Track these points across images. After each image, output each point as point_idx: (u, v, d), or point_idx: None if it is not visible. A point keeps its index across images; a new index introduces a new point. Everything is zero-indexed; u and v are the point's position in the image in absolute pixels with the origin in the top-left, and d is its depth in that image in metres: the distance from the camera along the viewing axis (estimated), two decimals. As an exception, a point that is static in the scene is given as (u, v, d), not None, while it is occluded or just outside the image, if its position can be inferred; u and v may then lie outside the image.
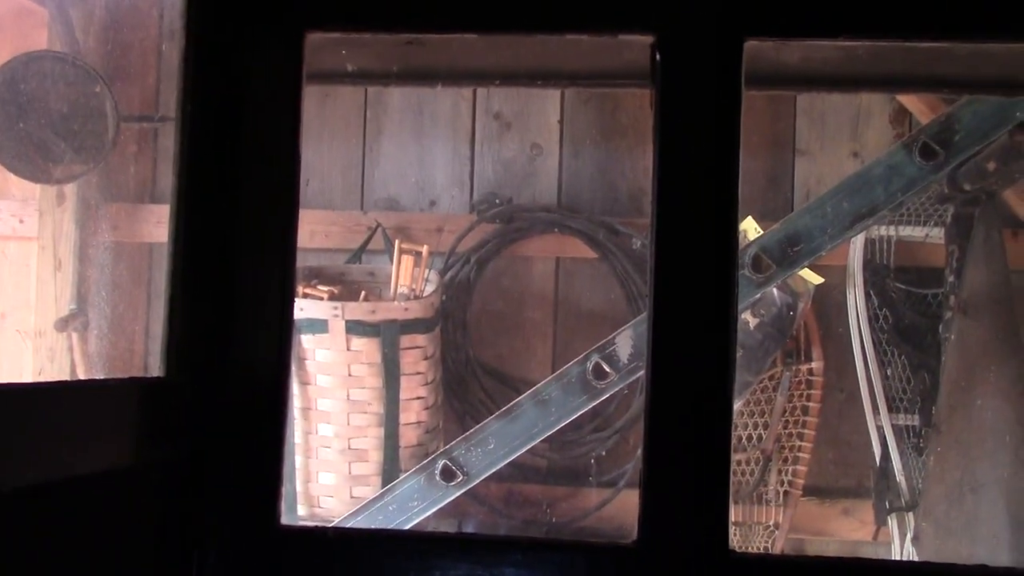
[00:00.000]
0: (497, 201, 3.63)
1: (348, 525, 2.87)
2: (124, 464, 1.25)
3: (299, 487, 3.31)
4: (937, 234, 3.24)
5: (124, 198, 3.72)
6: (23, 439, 1.06)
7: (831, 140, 3.58)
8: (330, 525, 2.94)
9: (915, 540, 3.01)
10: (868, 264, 3.30)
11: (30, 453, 1.07)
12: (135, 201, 3.72)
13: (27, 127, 3.14)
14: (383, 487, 3.09)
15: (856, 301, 3.28)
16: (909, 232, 3.32)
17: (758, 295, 2.86)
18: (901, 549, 3.08)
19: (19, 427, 1.05)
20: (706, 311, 1.37)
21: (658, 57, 1.37)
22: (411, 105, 3.71)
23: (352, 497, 3.23)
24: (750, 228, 3.06)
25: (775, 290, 3.07)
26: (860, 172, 2.67)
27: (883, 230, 3.31)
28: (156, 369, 1.41)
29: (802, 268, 2.82)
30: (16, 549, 1.06)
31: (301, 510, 3.30)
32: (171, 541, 1.37)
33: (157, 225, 3.64)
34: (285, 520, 1.44)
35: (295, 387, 3.27)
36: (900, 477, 3.13)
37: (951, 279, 3.07)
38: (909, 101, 3.36)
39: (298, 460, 3.30)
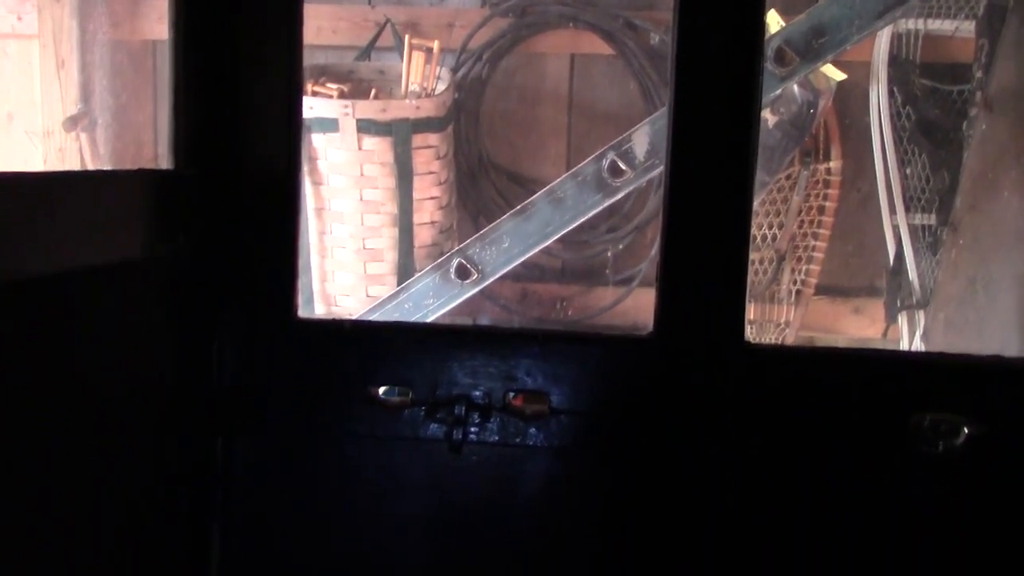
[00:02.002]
0: (510, -6, 3.50)
1: (365, 321, 2.92)
2: (137, 255, 1.25)
3: (315, 287, 3.35)
4: (968, 27, 3.12)
5: (123, -8, 3.59)
6: (36, 229, 1.05)
7: (862, -73, 3.39)
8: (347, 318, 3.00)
9: (924, 337, 3.05)
10: (894, 59, 3.20)
11: (44, 243, 1.06)
12: (134, -5, 3.60)
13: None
14: (398, 286, 3.13)
15: (879, 98, 3.20)
16: (939, 25, 3.20)
17: (779, 91, 2.79)
18: (910, 345, 3.13)
19: (32, 217, 1.04)
20: (728, 105, 1.33)
21: None
22: None
23: (368, 296, 3.28)
24: (772, 21, 2.94)
25: (795, 86, 2.99)
26: (892, -42, 2.54)
27: (911, 23, 3.18)
28: (166, 165, 1.39)
29: (826, 62, 2.73)
30: (33, 337, 1.07)
31: (319, 309, 3.36)
32: (189, 331, 1.38)
33: (158, 21, 3.53)
34: (302, 314, 1.45)
35: (308, 187, 3.26)
36: (913, 275, 3.15)
37: (979, 75, 2.98)
38: None
39: (314, 260, 3.33)
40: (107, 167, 3.54)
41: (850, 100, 3.31)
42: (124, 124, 3.60)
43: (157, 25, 3.53)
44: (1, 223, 1.00)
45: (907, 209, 3.17)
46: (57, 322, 1.12)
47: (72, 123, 3.55)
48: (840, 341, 3.47)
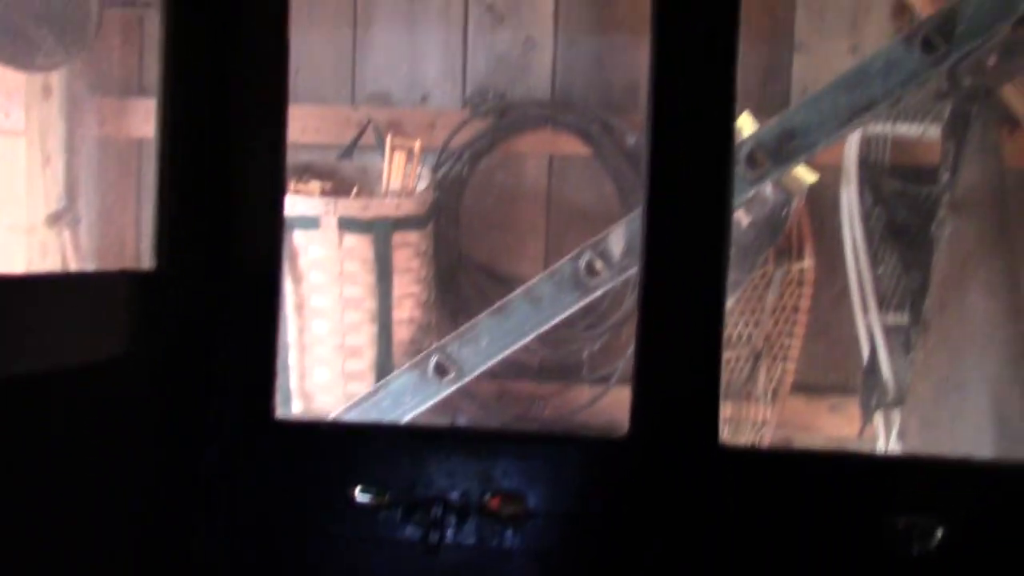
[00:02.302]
0: (490, 96, 3.58)
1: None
2: (117, 355, 1.26)
3: (294, 384, 3.34)
4: (934, 131, 3.21)
5: (111, 92, 3.65)
6: (16, 329, 1.06)
7: (830, 34, 3.51)
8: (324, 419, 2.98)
9: (900, 436, 3.06)
10: (863, 161, 3.28)
11: (23, 343, 1.07)
12: (121, 95, 3.65)
13: (6, 12, 3.05)
14: (377, 383, 3.12)
15: (850, 199, 3.27)
16: (906, 129, 3.29)
17: (752, 192, 2.85)
18: (886, 445, 3.14)
19: (12, 317, 1.05)
20: (701, 206, 1.36)
21: (657, -57, 1.33)
22: (402, -4, 3.63)
23: (346, 393, 3.26)
24: (745, 124, 3.02)
25: (768, 188, 3.06)
26: (859, 66, 2.63)
27: (880, 127, 3.28)
28: (148, 263, 1.41)
29: (797, 165, 2.80)
30: (10, 439, 1.06)
31: (296, 406, 3.34)
32: (169, 429, 1.38)
33: (144, 120, 3.58)
34: (280, 415, 1.45)
35: (288, 284, 3.27)
36: (887, 374, 3.17)
37: (946, 177, 3.06)
38: (910, -6, 3.29)
39: (292, 357, 3.32)
40: (89, 264, 3.55)
41: (822, 201, 3.38)
42: (108, 222, 3.62)
43: (143, 124, 3.59)
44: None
45: (880, 308, 3.21)
46: (40, 421, 1.11)
47: (55, 219, 3.57)
48: (817, 440, 3.47)
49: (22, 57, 3.21)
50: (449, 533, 1.36)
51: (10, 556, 1.06)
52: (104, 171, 3.65)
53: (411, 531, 1.37)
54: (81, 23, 3.12)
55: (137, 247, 3.63)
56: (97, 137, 3.63)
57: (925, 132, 3.26)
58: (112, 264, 3.60)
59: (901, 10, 3.44)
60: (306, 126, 3.59)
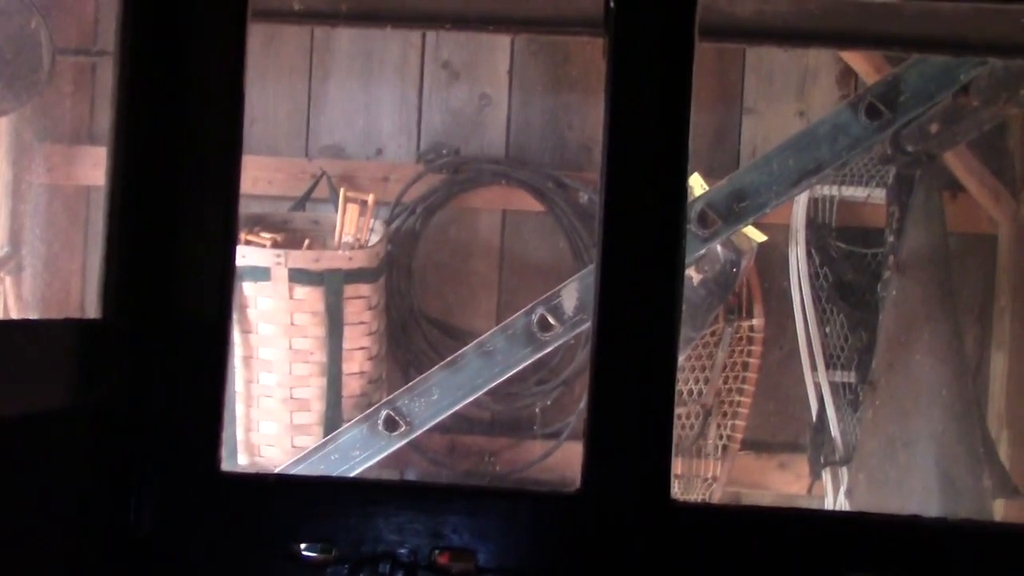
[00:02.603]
0: (444, 151, 3.60)
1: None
2: (59, 405, 1.23)
3: (240, 436, 3.28)
4: (879, 195, 3.29)
5: (60, 138, 3.61)
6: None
7: (778, 98, 3.59)
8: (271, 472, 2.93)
9: (848, 493, 3.08)
10: (811, 223, 3.34)
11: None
12: (71, 142, 3.62)
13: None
14: (325, 437, 3.08)
15: (798, 259, 3.32)
16: (852, 192, 3.36)
17: (703, 251, 2.88)
18: (835, 502, 3.16)
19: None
20: (653, 264, 1.37)
21: (611, 4, 1.36)
22: (359, 50, 3.65)
23: (294, 446, 3.22)
24: (696, 184, 3.07)
25: (719, 247, 3.10)
26: (807, 130, 2.69)
27: (826, 189, 3.35)
28: (93, 313, 1.38)
29: (747, 224, 2.84)
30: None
31: (242, 459, 3.28)
32: (111, 481, 1.34)
33: (94, 167, 3.55)
34: (226, 467, 1.43)
35: (237, 335, 3.23)
36: (836, 432, 3.20)
37: (891, 239, 3.12)
38: (855, 61, 3.38)
39: (239, 409, 3.27)
40: (31, 313, 3.48)
41: (771, 260, 3.43)
42: (52, 270, 3.56)
43: (92, 171, 3.55)
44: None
45: (827, 367, 3.25)
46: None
47: (-3, 266, 3.51)
48: (766, 497, 3.49)
49: (-30, 103, 3.17)
50: (397, 590, 1.33)
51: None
52: (50, 218, 3.59)
53: (359, 588, 1.34)
54: (32, 70, 3.10)
55: (83, 296, 3.56)
56: (45, 184, 3.58)
57: (871, 195, 3.33)
58: (56, 313, 3.54)
59: (847, 77, 3.53)
60: (259, 177, 3.58)
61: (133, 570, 1.36)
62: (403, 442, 2.79)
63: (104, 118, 3.53)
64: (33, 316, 3.50)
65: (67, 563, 1.27)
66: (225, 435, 1.47)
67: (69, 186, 3.62)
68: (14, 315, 3.44)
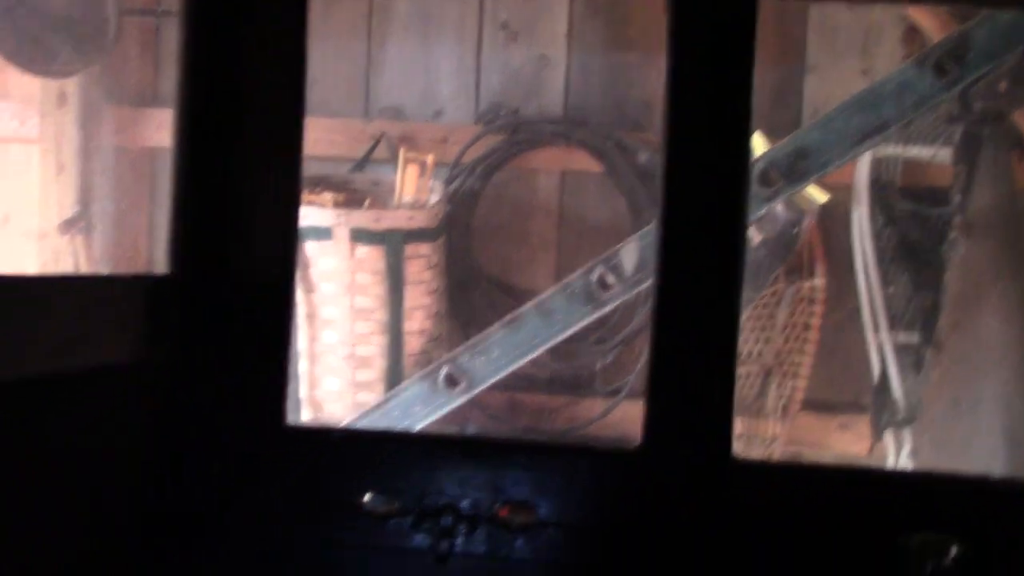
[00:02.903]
0: (503, 112, 3.59)
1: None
2: (128, 359, 1.26)
3: (303, 392, 3.34)
4: (945, 154, 3.21)
5: (126, 101, 3.67)
6: (29, 330, 1.06)
7: (841, 57, 3.52)
8: (335, 426, 2.98)
9: (912, 454, 3.05)
10: (875, 182, 3.28)
11: (35, 344, 1.07)
12: (137, 104, 3.68)
13: (25, 18, 3.08)
14: (387, 393, 3.12)
15: (861, 219, 3.27)
16: (917, 151, 3.29)
17: (764, 210, 2.85)
18: (897, 463, 3.13)
19: (24, 318, 1.06)
20: (715, 222, 1.36)
21: (675, -41, 1.34)
22: (417, 12, 3.64)
23: (356, 403, 3.27)
24: (757, 143, 3.03)
25: (780, 207, 3.06)
26: (871, 88, 2.64)
27: (891, 149, 3.28)
28: (160, 270, 1.41)
29: (809, 184, 2.80)
30: (18, 438, 1.07)
31: (306, 415, 3.34)
32: (178, 436, 1.38)
33: (159, 129, 3.61)
34: (290, 421, 1.46)
35: (299, 294, 3.28)
36: (898, 393, 3.16)
37: (957, 199, 3.06)
38: (921, 19, 3.29)
39: (302, 366, 3.33)
40: (101, 270, 3.56)
41: (833, 220, 3.38)
42: (120, 229, 3.64)
43: (157, 133, 3.61)
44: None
45: (891, 327, 3.20)
46: (49, 423, 1.12)
47: (67, 226, 3.59)
48: (827, 457, 3.46)
49: (39, 63, 3.24)
50: (459, 542, 1.36)
51: (11, 557, 1.07)
52: (118, 179, 3.67)
53: (421, 540, 1.36)
54: (99, 31, 3.15)
55: (149, 254, 3.64)
56: (111, 145, 3.65)
57: (936, 154, 3.26)
58: (124, 271, 3.62)
59: (912, 34, 3.45)
60: (319, 138, 3.61)
61: (199, 524, 1.40)
62: (463, 399, 2.82)
63: (168, 80, 3.59)
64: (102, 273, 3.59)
65: (136, 513, 1.31)
66: (290, 391, 1.50)
67: (135, 147, 3.69)
68: (85, 272, 3.53)
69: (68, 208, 3.63)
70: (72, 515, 1.17)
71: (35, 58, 3.18)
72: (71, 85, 3.56)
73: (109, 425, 1.25)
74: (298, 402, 3.33)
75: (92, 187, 3.65)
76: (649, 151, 3.47)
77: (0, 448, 1.04)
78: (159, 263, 1.44)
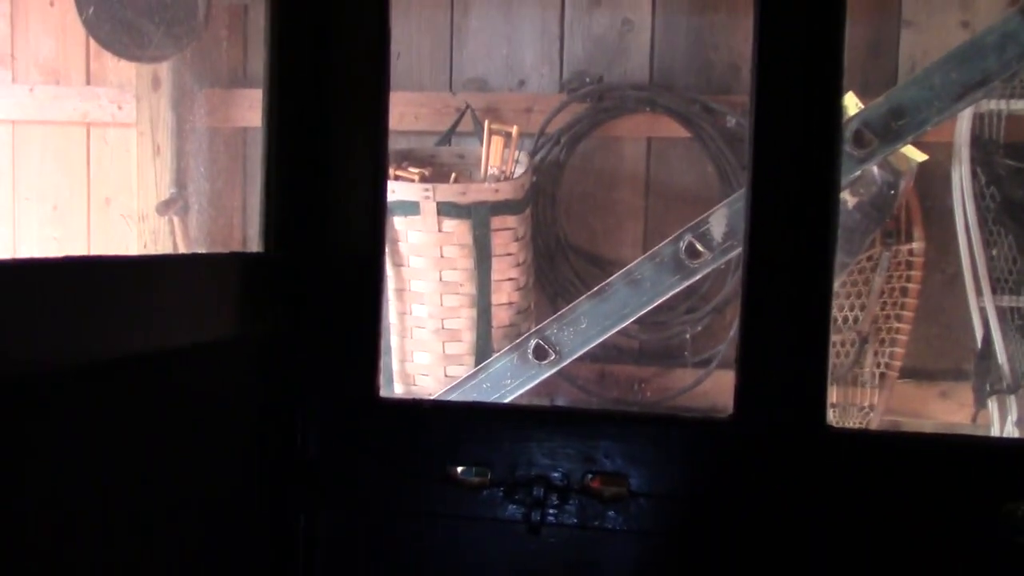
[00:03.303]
0: (587, 80, 3.56)
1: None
2: (227, 336, 1.29)
3: (395, 366, 3.39)
4: (1052, 107, 3.08)
5: (217, 83, 3.75)
6: (128, 309, 1.10)
7: (939, 9, 3.39)
8: (427, 398, 3.02)
9: (1018, 422, 2.95)
10: (976, 140, 3.17)
11: (135, 323, 1.11)
12: (227, 85, 3.75)
13: (119, 4, 3.16)
14: (476, 366, 3.15)
15: (962, 178, 3.16)
16: (1021, 105, 3.16)
17: (858, 172, 2.78)
18: (1002, 431, 3.04)
19: (125, 298, 1.09)
20: (807, 186, 1.33)
21: (761, -84, 1.30)
22: (499, -19, 3.64)
23: (447, 376, 3.30)
24: (850, 103, 2.95)
25: (875, 168, 2.98)
26: (972, 40, 2.54)
27: (993, 104, 3.15)
28: (255, 247, 1.44)
29: (906, 144, 2.72)
30: (122, 416, 1.11)
31: (398, 388, 3.39)
32: (277, 409, 1.41)
33: (250, 109, 3.68)
34: (383, 394, 1.48)
35: (388, 269, 3.32)
36: (1003, 359, 3.06)
37: (1066, 154, 2.94)
38: (1027, -36, 3.15)
39: (393, 340, 3.38)
40: (198, 249, 3.66)
41: (932, 181, 3.28)
42: (215, 208, 3.73)
43: (248, 113, 3.68)
44: (105, 303, 1.04)
45: (994, 291, 3.10)
46: (156, 398, 1.16)
47: (165, 207, 3.70)
48: (927, 426, 3.38)
49: (133, 49, 3.33)
50: (551, 513, 1.36)
51: (117, 531, 1.10)
52: (211, 159, 3.75)
53: (513, 510, 1.37)
54: (190, 15, 3.22)
55: (244, 233, 3.73)
56: (204, 126, 3.74)
57: (1043, 108, 3.13)
58: (221, 249, 3.71)
59: (1016, -17, 3.30)
60: (405, 112, 3.63)
61: (300, 493, 1.43)
62: (553, 371, 2.83)
63: (257, 61, 3.65)
64: (200, 252, 3.69)
65: (239, 487, 1.35)
66: (382, 365, 1.52)
67: (227, 128, 3.77)
68: (183, 252, 3.63)
69: (165, 190, 3.73)
70: (174, 488, 1.20)
71: (129, 44, 3.27)
72: (164, 69, 3.65)
73: (211, 400, 1.29)
74: (391, 376, 3.38)
75: (187, 168, 3.75)
76: (737, 115, 3.40)
77: (113, 423, 1.08)
78: (253, 241, 1.47)
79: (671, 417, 1.64)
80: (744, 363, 1.32)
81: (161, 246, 3.69)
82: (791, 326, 1.31)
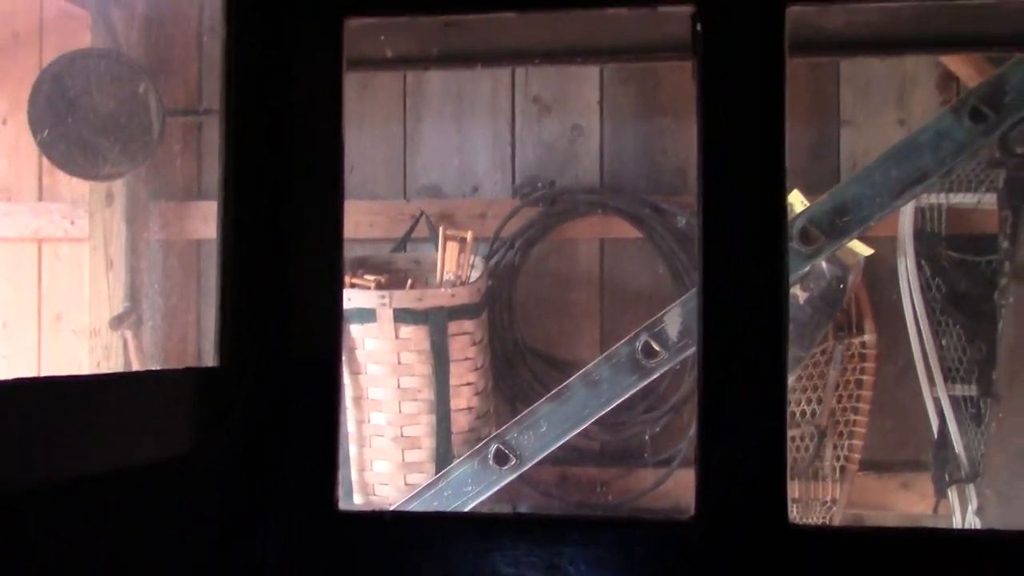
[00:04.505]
0: (539, 185, 3.63)
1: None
2: (182, 452, 1.27)
3: (354, 476, 3.34)
4: (989, 200, 3.18)
5: (171, 195, 3.76)
6: (82, 429, 1.08)
7: (876, 109, 3.52)
8: (387, 509, 2.96)
9: (978, 511, 2.96)
10: (919, 233, 3.25)
11: (89, 443, 1.09)
12: (182, 198, 3.77)
13: (74, 125, 3.19)
14: (436, 473, 3.11)
15: (908, 271, 3.23)
16: (960, 199, 3.26)
17: (807, 268, 2.83)
18: (963, 521, 3.04)
19: (78, 418, 1.07)
20: (756, 283, 1.35)
21: (699, 27, 1.36)
22: (450, 91, 3.71)
23: (407, 484, 3.26)
24: (796, 201, 3.02)
25: (824, 263, 3.04)
26: (908, 138, 2.62)
27: (934, 198, 3.25)
28: (210, 362, 1.43)
29: (851, 239, 2.78)
30: (78, 538, 1.08)
31: (357, 499, 3.33)
32: (234, 524, 1.38)
33: (204, 221, 3.68)
34: (343, 505, 1.45)
35: (346, 377, 3.30)
36: (959, 448, 3.09)
37: (1005, 245, 3.02)
38: (955, 65, 3.29)
39: (352, 449, 3.33)
40: (152, 364, 3.61)
41: (880, 274, 3.35)
42: (169, 322, 3.70)
43: (202, 225, 3.68)
44: (58, 424, 1.03)
45: (946, 380, 3.14)
46: (112, 518, 1.13)
47: (118, 322, 3.66)
48: (890, 518, 3.38)
49: (89, 168, 3.34)
50: (517, 623, 1.33)
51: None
52: (165, 273, 3.74)
53: (478, 623, 1.34)
54: (144, 133, 3.25)
55: (198, 347, 3.69)
56: (159, 240, 3.74)
57: (981, 200, 3.23)
58: (175, 363, 3.67)
59: (948, 81, 3.44)
60: (360, 221, 3.66)
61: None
62: (514, 475, 2.80)
63: (211, 174, 3.67)
64: (154, 368, 3.64)
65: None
66: (341, 475, 1.50)
67: (181, 240, 3.76)
68: (136, 367, 3.58)
69: (118, 304, 3.70)
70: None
71: (84, 164, 3.29)
72: (118, 184, 3.66)
73: (168, 518, 1.26)
74: (350, 486, 3.32)
75: (141, 282, 3.72)
76: (687, 215, 3.47)
77: (67, 545, 1.05)
78: (208, 354, 1.45)
79: (634, 520, 1.62)
80: (703, 463, 1.32)
81: (114, 362, 3.63)
82: (748, 423, 1.32)
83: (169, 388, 1.29)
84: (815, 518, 3.23)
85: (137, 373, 2.43)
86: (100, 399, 1.13)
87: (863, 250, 3.13)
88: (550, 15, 1.62)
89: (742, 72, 1.36)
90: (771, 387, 1.33)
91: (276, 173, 1.44)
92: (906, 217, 3.25)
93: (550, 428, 2.75)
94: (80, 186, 3.67)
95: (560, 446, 2.84)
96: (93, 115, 3.18)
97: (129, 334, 3.66)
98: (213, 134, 3.57)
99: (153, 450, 1.22)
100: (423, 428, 3.28)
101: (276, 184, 1.44)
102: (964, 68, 3.24)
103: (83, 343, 3.74)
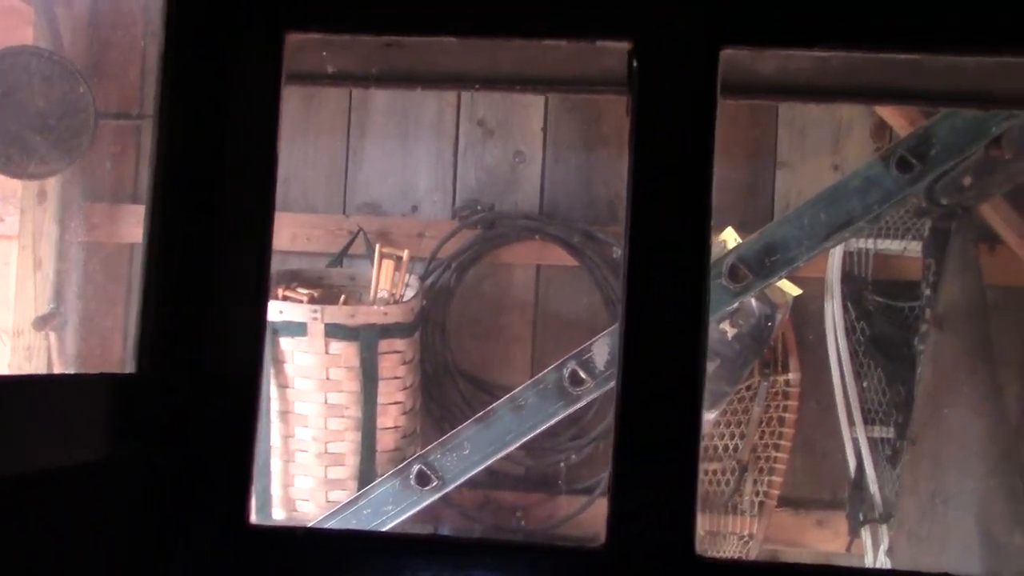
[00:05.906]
0: (479, 207, 3.64)
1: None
2: (95, 459, 1.25)
3: (277, 491, 3.30)
4: (915, 247, 3.27)
5: (105, 198, 3.71)
6: (2, 430, 1.06)
7: (812, 152, 3.60)
8: (300, 525, 2.93)
9: (889, 552, 3.02)
10: (846, 276, 3.32)
11: (9, 443, 1.07)
12: (116, 201, 3.71)
13: (3, 120, 3.13)
14: (358, 491, 3.08)
15: (833, 313, 3.30)
16: (887, 245, 3.35)
17: (735, 304, 2.87)
18: (875, 561, 3.10)
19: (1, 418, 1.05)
20: (677, 318, 1.37)
21: (635, 63, 1.38)
22: (396, 109, 3.72)
23: (328, 501, 3.23)
24: (730, 238, 3.07)
25: (753, 301, 3.09)
26: (837, 184, 2.68)
27: (861, 243, 3.33)
28: (131, 367, 1.41)
29: (779, 279, 2.83)
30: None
31: (279, 514, 3.29)
32: (145, 534, 1.36)
33: (137, 225, 3.62)
34: (258, 520, 1.44)
35: (274, 390, 3.26)
36: (874, 489, 3.15)
37: (927, 292, 3.10)
38: (889, 114, 3.38)
39: (276, 463, 3.29)
40: (73, 368, 3.54)
41: (807, 314, 3.41)
42: (94, 326, 3.64)
43: (135, 229, 3.63)
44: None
45: (865, 422, 3.21)
46: (20, 522, 1.11)
47: (42, 322, 3.58)
48: (804, 555, 3.43)
49: (16, 165, 3.28)
50: (423, 646, 1.33)
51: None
52: (93, 276, 3.68)
53: (385, 643, 1.34)
54: (76, 133, 3.20)
55: (124, 352, 3.63)
56: (89, 242, 3.68)
57: (906, 248, 3.31)
58: (96, 368, 3.60)
59: (882, 129, 3.53)
60: (298, 233, 3.64)
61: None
62: (435, 497, 2.79)
63: (147, 178, 3.62)
64: (75, 372, 3.57)
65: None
66: (262, 489, 1.49)
67: (112, 244, 3.70)
68: (57, 370, 3.51)
69: (44, 304, 3.62)
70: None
71: (12, 160, 3.23)
72: (51, 183, 3.60)
73: (79, 524, 1.23)
74: (271, 501, 3.28)
75: (69, 284, 3.66)
76: (622, 245, 3.50)
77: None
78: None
79: (544, 546, 1.63)
80: (615, 492, 1.33)
81: (36, 364, 3.56)
82: (661, 455, 1.34)
83: (84, 393, 1.27)
84: (732, 552, 3.27)
85: (50, 376, 2.38)
86: (11, 401, 1.11)
87: (792, 290, 3.19)
88: (491, 42, 1.63)
89: (674, 109, 1.38)
90: (686, 420, 1.35)
91: (207, 181, 1.43)
92: (835, 260, 3.32)
93: (474, 451, 2.75)
94: (10, 183, 3.60)
95: (484, 469, 2.84)
96: (23, 112, 3.13)
97: (53, 336, 3.59)
98: (150, 139, 3.52)
99: (66, 454, 1.20)
100: (348, 445, 3.26)
101: (206, 192, 1.43)
102: (896, 118, 3.33)
103: (5, 343, 3.65)
